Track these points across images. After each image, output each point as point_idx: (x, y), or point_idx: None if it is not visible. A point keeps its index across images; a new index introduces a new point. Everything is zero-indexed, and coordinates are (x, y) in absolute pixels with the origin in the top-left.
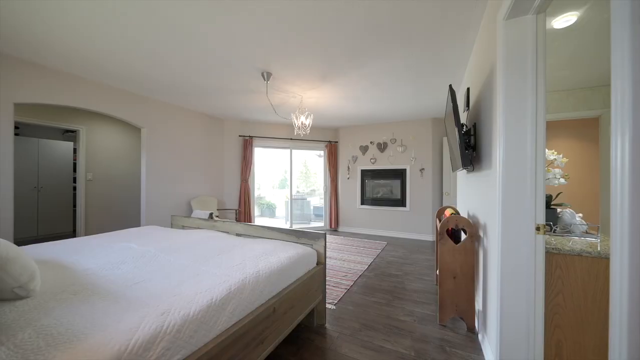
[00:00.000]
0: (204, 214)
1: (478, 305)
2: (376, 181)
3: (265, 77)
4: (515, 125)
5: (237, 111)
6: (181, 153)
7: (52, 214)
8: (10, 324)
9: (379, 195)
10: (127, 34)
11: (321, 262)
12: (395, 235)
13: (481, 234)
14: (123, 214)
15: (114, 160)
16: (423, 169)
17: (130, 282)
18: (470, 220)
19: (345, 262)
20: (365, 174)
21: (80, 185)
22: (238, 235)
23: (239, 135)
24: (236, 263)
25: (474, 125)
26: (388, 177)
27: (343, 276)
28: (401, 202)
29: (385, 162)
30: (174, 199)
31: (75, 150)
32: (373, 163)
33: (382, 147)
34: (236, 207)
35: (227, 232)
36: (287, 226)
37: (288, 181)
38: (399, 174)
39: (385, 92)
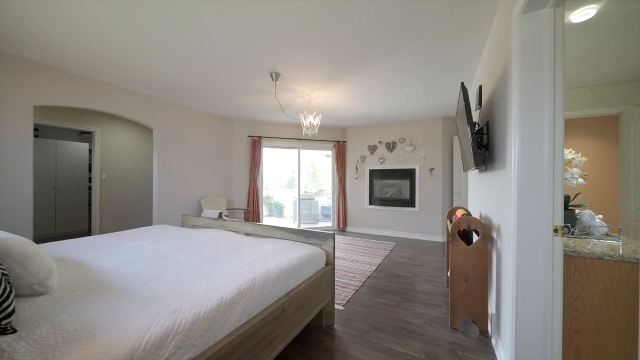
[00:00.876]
0: (214, 213)
1: (491, 309)
2: (385, 181)
3: (274, 77)
4: (532, 123)
5: (246, 112)
6: (191, 153)
7: (68, 213)
8: (29, 319)
9: (387, 196)
10: (139, 38)
11: (330, 263)
12: (404, 235)
13: (494, 235)
14: (135, 213)
15: (127, 160)
16: (433, 168)
17: (143, 280)
18: (483, 221)
19: (354, 263)
20: (374, 174)
21: (95, 185)
22: (247, 234)
23: (248, 136)
24: (246, 262)
25: (487, 124)
26: (397, 177)
27: (351, 277)
28: (410, 203)
29: (394, 162)
30: (184, 198)
31: (90, 151)
32: (381, 163)
33: (390, 146)
34: (245, 206)
35: (237, 232)
36: (295, 226)
37: (296, 181)
38: (408, 174)
39: (395, 90)
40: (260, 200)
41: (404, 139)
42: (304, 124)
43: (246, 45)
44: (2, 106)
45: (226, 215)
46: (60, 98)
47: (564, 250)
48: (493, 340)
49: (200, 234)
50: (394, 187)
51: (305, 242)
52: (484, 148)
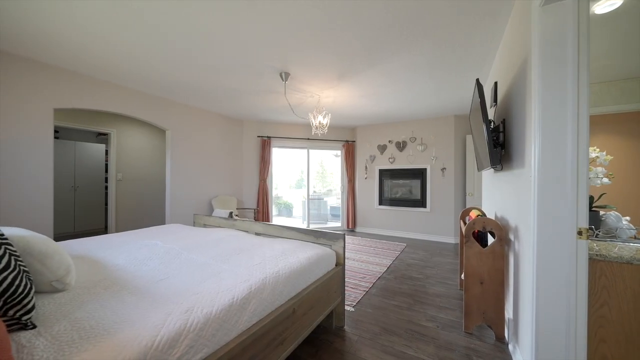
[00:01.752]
0: (224, 212)
1: (508, 314)
2: (395, 181)
3: (284, 77)
4: (554, 120)
5: (256, 112)
6: (203, 154)
7: (86, 212)
8: (48, 315)
9: (397, 196)
10: (152, 42)
11: (340, 263)
12: (414, 236)
13: (511, 237)
14: (149, 212)
15: (141, 161)
16: (445, 168)
17: (156, 279)
18: (499, 223)
19: (364, 264)
20: (384, 174)
21: (111, 184)
22: (257, 234)
23: (258, 136)
24: (256, 262)
25: (503, 122)
26: (407, 177)
27: (361, 278)
28: (421, 203)
29: (404, 162)
30: (195, 198)
31: (106, 151)
32: (392, 162)
33: (401, 146)
34: (255, 206)
35: (247, 231)
36: (304, 226)
37: (305, 181)
38: (419, 174)
39: (405, 89)
40: (270, 200)
41: (415, 138)
42: (314, 124)
43: (256, 46)
44: (25, 109)
45: (236, 215)
46: (79, 101)
47: (589, 253)
48: (510, 347)
49: (212, 233)
50: (404, 187)
51: (315, 243)
52: (500, 147)
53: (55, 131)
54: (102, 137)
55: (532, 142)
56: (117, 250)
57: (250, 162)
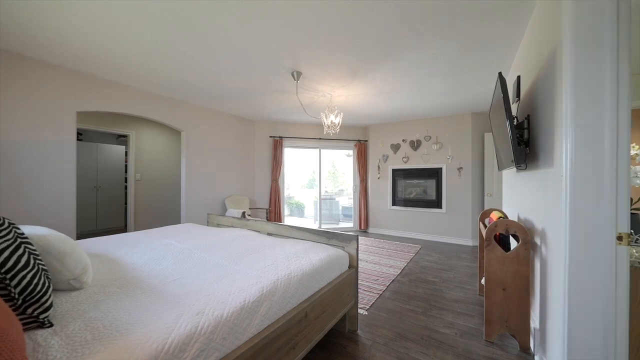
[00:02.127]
0: (237, 212)
1: (534, 323)
2: (409, 181)
3: (295, 76)
4: (589, 114)
5: (268, 112)
6: (216, 154)
7: (108, 211)
8: (64, 314)
9: (411, 196)
10: (165, 46)
11: (353, 266)
12: (429, 238)
13: (537, 241)
14: (166, 211)
15: (158, 161)
16: (461, 167)
17: (170, 279)
18: (523, 225)
19: (377, 266)
20: (397, 174)
21: (130, 185)
22: (269, 234)
23: (270, 136)
24: (268, 264)
25: (527, 118)
26: (422, 176)
27: (374, 280)
28: (436, 204)
29: (418, 161)
30: (210, 197)
31: (126, 153)
32: (405, 162)
33: (415, 145)
34: (267, 206)
35: (259, 231)
36: (315, 226)
37: (317, 181)
38: (434, 174)
39: (420, 86)
40: (282, 200)
41: (430, 137)
42: (325, 123)
43: (267, 45)
44: (50, 112)
45: (249, 215)
46: (99, 104)
47: (630, 261)
48: (537, 358)
49: (224, 232)
50: (418, 187)
51: (327, 244)
52: (524, 144)
53: (79, 133)
54: (122, 139)
55: (563, 139)
56: (132, 249)
57: (262, 162)
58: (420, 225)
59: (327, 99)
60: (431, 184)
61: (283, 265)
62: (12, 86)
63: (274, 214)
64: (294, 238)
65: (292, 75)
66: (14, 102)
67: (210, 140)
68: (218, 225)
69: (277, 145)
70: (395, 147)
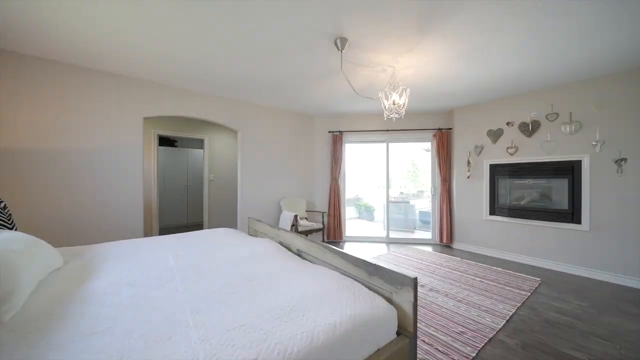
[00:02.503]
0: (290, 215)
1: None
2: (518, 181)
3: (339, 45)
4: None
5: (324, 104)
6: (272, 153)
7: (194, 207)
8: None
9: (523, 203)
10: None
11: (408, 331)
12: (556, 268)
13: None
14: (234, 210)
15: (226, 162)
16: (623, 159)
17: (97, 327)
18: None
19: (463, 306)
20: (498, 171)
21: (205, 184)
22: (298, 251)
23: (329, 132)
24: (246, 321)
25: None
26: (541, 174)
27: (458, 333)
28: (570, 216)
29: (535, 152)
30: (265, 198)
31: (203, 156)
32: (512, 154)
33: (529, 128)
34: (325, 208)
35: (289, 246)
36: (383, 234)
37: (385, 180)
38: (566, 170)
39: (539, 29)
40: (342, 202)
41: (557, 115)
42: (386, 106)
43: (301, 11)
44: (120, 119)
45: (305, 218)
46: (161, 109)
47: None
48: None
49: (241, 247)
50: (535, 189)
51: (365, 283)
52: None
53: (174, 140)
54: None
55: None
56: (116, 263)
57: (321, 160)
58: (540, 247)
59: (388, 74)
60: (559, 185)
61: (266, 327)
62: (97, 99)
63: (333, 217)
64: (322, 263)
65: (336, 44)
66: (98, 114)
67: (265, 139)
68: (256, 232)
69: (336, 141)
70: (496, 134)
